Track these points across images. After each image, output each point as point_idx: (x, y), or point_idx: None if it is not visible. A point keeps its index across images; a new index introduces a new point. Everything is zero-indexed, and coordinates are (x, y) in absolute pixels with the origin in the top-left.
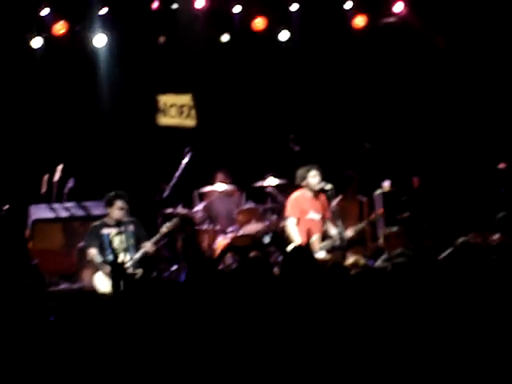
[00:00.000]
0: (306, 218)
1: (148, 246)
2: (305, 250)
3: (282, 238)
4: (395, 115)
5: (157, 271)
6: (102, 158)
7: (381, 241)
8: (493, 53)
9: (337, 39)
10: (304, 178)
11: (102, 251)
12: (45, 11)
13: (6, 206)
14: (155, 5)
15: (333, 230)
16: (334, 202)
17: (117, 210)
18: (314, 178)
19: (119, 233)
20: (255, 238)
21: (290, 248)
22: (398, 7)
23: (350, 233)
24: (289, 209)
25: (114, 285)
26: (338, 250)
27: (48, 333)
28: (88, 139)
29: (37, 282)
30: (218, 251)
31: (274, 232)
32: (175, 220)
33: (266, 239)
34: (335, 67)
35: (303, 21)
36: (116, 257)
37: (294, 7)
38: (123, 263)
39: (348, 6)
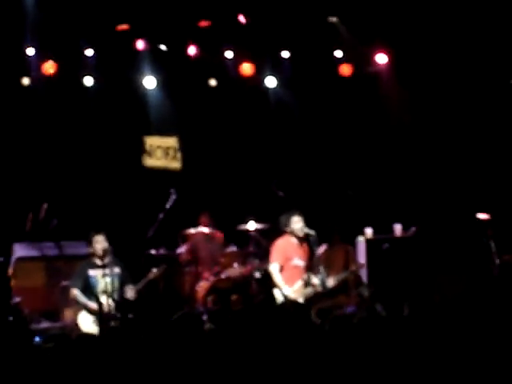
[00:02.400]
0: (290, 264)
1: (130, 292)
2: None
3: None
4: (378, 162)
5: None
6: (86, 197)
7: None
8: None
9: (322, 86)
10: (287, 223)
11: (86, 292)
12: (30, 51)
13: None
14: (140, 45)
15: (315, 278)
16: (320, 250)
17: (97, 245)
18: (296, 223)
19: (105, 275)
20: (237, 282)
21: (278, 294)
22: (381, 58)
23: (331, 281)
24: (273, 254)
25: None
26: (320, 297)
27: (30, 370)
28: (74, 179)
29: (18, 319)
30: (201, 294)
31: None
32: (163, 266)
33: (257, 274)
34: (319, 113)
35: (291, 67)
36: (98, 299)
37: (285, 54)
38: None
39: (338, 54)
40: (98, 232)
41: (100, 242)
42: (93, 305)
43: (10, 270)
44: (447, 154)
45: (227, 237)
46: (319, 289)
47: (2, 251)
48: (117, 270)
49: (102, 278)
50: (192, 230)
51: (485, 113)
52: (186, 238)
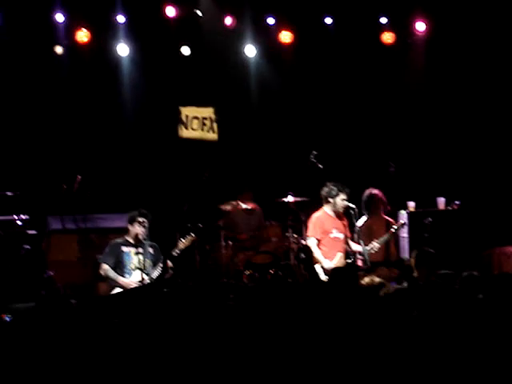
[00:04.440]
0: (329, 236)
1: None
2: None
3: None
4: (421, 136)
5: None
6: (121, 169)
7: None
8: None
9: (365, 56)
10: (332, 196)
11: (119, 268)
12: (59, 17)
13: (25, 216)
14: (172, 13)
15: (356, 246)
16: (360, 222)
17: (138, 227)
18: (342, 200)
19: (138, 253)
20: (275, 256)
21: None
22: (421, 26)
23: (376, 244)
24: (311, 229)
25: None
26: (362, 270)
27: (64, 340)
28: (108, 150)
29: (52, 293)
30: (238, 268)
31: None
32: (191, 236)
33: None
34: (361, 86)
35: (332, 35)
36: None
37: (328, 20)
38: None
39: (383, 20)
40: (142, 214)
41: (142, 225)
42: (123, 280)
43: (44, 244)
44: (491, 128)
45: (266, 210)
46: (361, 257)
47: (35, 224)
48: (150, 250)
49: (136, 255)
50: (230, 204)
51: None
52: (224, 212)
